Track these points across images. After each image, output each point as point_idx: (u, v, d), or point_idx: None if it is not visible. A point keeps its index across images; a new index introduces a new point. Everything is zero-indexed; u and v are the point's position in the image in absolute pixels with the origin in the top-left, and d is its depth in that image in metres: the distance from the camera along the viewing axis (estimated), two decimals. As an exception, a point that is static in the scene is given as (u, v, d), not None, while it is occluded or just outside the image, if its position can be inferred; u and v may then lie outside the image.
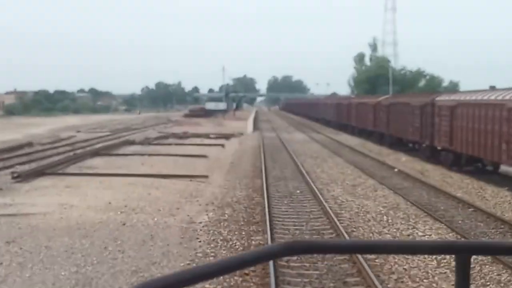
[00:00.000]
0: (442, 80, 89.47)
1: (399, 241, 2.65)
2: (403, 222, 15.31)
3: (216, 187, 20.61)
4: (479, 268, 10.97)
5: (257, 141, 41.95)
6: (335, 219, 14.96)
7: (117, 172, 23.17)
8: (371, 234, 13.97)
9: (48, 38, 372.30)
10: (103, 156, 30.02)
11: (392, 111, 37.91)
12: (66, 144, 37.83)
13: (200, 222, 14.81)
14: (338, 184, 21.68)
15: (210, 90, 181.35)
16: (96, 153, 31.09)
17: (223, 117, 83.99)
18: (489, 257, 11.16)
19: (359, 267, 10.78)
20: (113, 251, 11.86)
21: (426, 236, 13.78)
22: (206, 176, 22.62)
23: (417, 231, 14.36)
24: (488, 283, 10.32)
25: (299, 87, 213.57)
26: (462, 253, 1.89)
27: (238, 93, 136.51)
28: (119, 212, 15.71)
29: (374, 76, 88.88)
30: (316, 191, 19.32)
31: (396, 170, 25.74)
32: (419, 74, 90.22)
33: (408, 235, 13.90)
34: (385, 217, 15.85)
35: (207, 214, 15.84)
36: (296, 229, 14.44)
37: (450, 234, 14.00)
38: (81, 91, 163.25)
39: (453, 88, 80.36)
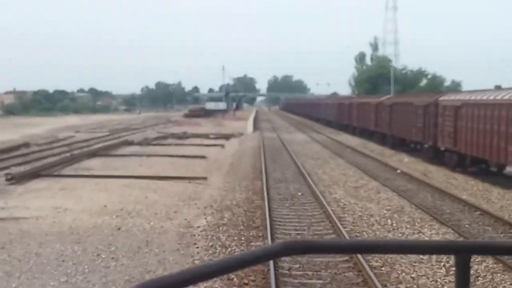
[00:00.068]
0: (444, 80, 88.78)
1: (399, 241, 2.60)
2: (408, 226, 14.79)
3: (215, 189, 20.08)
4: (491, 276, 10.45)
5: (257, 141, 41.48)
6: (338, 223, 14.45)
7: (114, 173, 22.64)
8: (375, 239, 13.46)
9: (48, 38, 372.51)
10: (101, 157, 29.51)
11: (395, 111, 37.38)
12: (64, 145, 37.29)
13: (198, 227, 14.29)
14: (340, 186, 21.17)
15: (210, 90, 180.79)
16: (93, 154, 30.58)
17: (223, 117, 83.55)
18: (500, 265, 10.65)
19: (364, 276, 10.24)
20: (106, 259, 11.32)
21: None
22: (205, 178, 22.07)
23: (423, 235, 13.85)
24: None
25: (299, 87, 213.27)
26: (462, 253, 1.89)
27: (238, 93, 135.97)
28: (114, 216, 15.19)
29: (375, 75, 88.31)
30: (318, 193, 18.80)
31: (399, 171, 25.24)
32: (420, 74, 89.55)
33: (414, 240, 13.38)
34: (389, 220, 15.33)
35: (205, 218, 15.30)
36: (298, 233, 13.94)
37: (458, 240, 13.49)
38: (81, 91, 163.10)
39: (455, 87, 79.70)
